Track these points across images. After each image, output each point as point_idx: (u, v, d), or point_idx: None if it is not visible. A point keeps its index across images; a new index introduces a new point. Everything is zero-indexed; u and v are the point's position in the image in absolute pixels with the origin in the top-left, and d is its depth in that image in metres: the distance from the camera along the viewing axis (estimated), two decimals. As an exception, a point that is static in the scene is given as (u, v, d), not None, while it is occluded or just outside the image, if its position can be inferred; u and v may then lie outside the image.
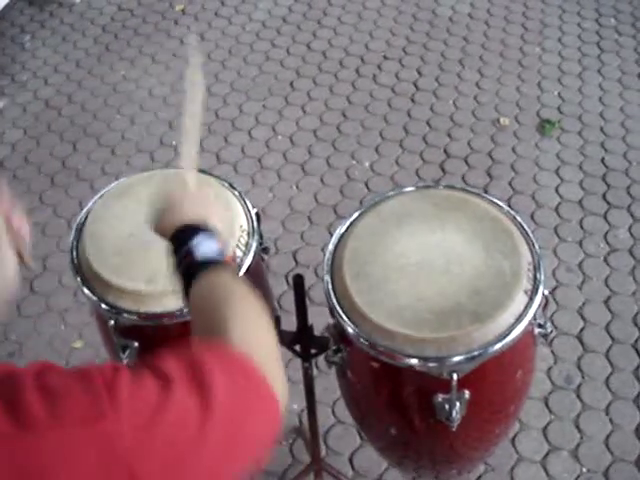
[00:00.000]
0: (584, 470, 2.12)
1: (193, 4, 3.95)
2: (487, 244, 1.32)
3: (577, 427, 2.20)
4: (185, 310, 1.36)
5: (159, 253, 1.40)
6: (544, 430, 2.20)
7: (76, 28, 3.85)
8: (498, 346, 1.20)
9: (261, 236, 1.51)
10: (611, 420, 2.21)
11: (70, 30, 3.84)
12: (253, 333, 0.89)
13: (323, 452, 2.12)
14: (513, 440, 2.17)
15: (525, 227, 1.38)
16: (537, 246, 1.34)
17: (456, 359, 1.20)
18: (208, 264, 0.99)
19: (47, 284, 2.65)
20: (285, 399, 0.83)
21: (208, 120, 3.26)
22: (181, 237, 1.03)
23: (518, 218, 1.40)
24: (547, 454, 2.15)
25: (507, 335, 1.21)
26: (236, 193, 1.53)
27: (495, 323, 1.21)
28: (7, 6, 3.79)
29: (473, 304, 1.23)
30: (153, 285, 1.35)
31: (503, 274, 1.27)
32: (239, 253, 1.42)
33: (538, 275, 1.28)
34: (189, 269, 1.00)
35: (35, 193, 3.00)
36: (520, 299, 1.24)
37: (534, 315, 1.26)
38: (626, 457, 2.13)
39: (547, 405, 2.25)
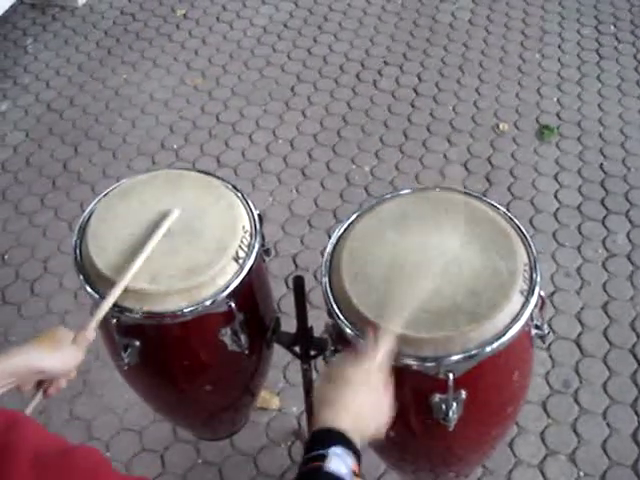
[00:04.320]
0: (581, 474, 2.12)
1: (195, 9, 3.97)
2: (484, 245, 1.33)
3: (575, 431, 2.21)
4: (186, 310, 1.37)
5: (162, 253, 1.42)
6: (542, 434, 2.21)
7: (78, 32, 3.87)
8: (494, 346, 1.21)
9: (263, 237, 1.52)
10: (609, 424, 2.22)
11: (72, 34, 3.86)
12: None
13: (321, 454, 2.12)
14: (511, 444, 2.18)
15: (522, 228, 1.39)
16: (533, 247, 1.35)
17: (453, 359, 1.21)
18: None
19: (48, 286, 2.67)
20: None
21: (209, 124, 3.28)
22: (325, 437, 1.01)
23: (515, 219, 1.41)
24: (545, 458, 2.16)
25: (503, 335, 1.22)
26: (239, 195, 1.55)
27: (491, 323, 1.22)
28: (9, 9, 3.82)
29: (470, 304, 1.24)
30: (156, 284, 1.36)
31: (500, 274, 1.28)
32: (242, 254, 1.43)
33: (534, 275, 1.30)
34: (313, 472, 0.96)
35: (36, 195, 3.01)
36: (516, 299, 1.25)
37: (530, 315, 1.27)
38: (623, 461, 2.14)
39: (545, 409, 2.26)
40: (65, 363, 1.18)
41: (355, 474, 0.97)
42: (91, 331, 1.25)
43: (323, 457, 0.96)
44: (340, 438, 1.00)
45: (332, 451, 0.97)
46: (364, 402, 1.08)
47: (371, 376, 1.11)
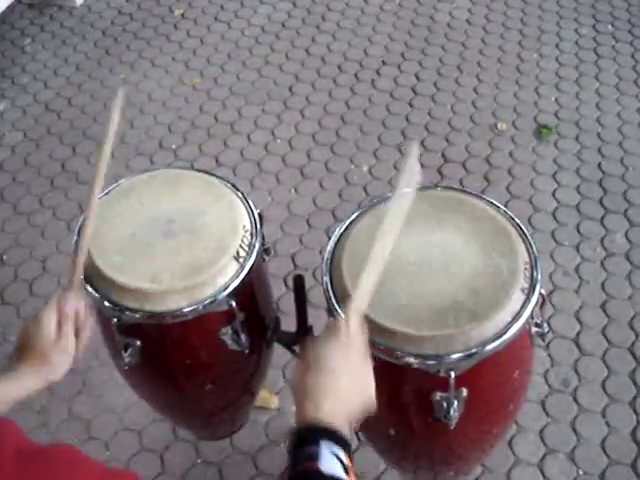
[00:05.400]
0: (580, 472, 2.13)
1: (193, 8, 3.97)
2: (485, 244, 1.33)
3: (574, 430, 2.21)
4: (187, 309, 1.37)
5: (162, 252, 1.42)
6: (541, 432, 2.21)
7: (76, 32, 3.86)
8: (495, 344, 1.22)
9: (263, 237, 1.52)
10: (607, 423, 2.22)
11: (70, 33, 3.85)
12: None
13: (321, 453, 2.13)
14: (510, 442, 2.18)
15: (522, 227, 1.40)
16: (534, 246, 1.35)
17: (454, 357, 1.21)
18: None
19: (46, 286, 2.66)
20: None
21: (207, 124, 3.28)
22: (312, 433, 0.95)
23: (515, 218, 1.42)
24: (544, 456, 2.16)
25: (504, 333, 1.22)
26: (239, 194, 1.55)
27: (492, 321, 1.22)
28: (7, 9, 3.81)
29: (471, 303, 1.24)
30: (156, 284, 1.36)
31: (501, 273, 1.28)
32: (242, 253, 1.43)
33: (535, 274, 1.30)
34: (309, 474, 0.91)
35: (35, 195, 3.01)
36: (517, 297, 1.25)
37: (531, 314, 1.27)
38: (622, 460, 2.14)
39: (544, 408, 2.26)
40: (61, 368, 1.16)
41: (348, 469, 0.93)
42: (70, 305, 1.18)
43: (315, 456, 0.91)
44: (328, 432, 0.95)
45: (323, 449, 0.92)
46: (345, 385, 1.01)
47: (347, 356, 1.04)
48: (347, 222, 1.46)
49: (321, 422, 0.96)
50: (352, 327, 1.06)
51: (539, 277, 1.30)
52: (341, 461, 0.92)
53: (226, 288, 1.39)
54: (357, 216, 1.47)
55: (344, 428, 0.97)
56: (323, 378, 1.01)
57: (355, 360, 1.05)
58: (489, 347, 1.22)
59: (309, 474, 0.90)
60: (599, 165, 2.99)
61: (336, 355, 1.03)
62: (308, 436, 0.94)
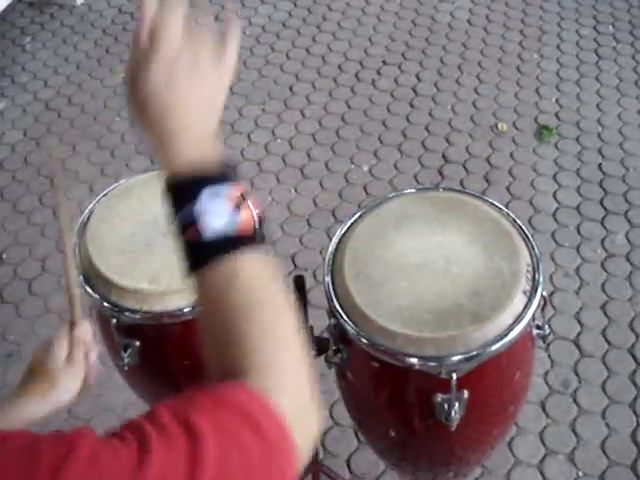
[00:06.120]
0: (580, 474, 2.12)
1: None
2: (487, 246, 1.33)
3: (573, 431, 2.21)
4: (186, 310, 1.37)
5: (161, 253, 1.41)
6: (541, 434, 2.21)
7: (76, 30, 3.86)
8: (497, 346, 1.21)
9: (263, 237, 1.51)
10: (607, 424, 2.21)
11: (70, 32, 3.85)
12: (282, 368, 0.70)
13: (321, 454, 2.12)
14: (510, 444, 2.18)
15: (524, 229, 1.39)
16: (536, 248, 1.35)
17: (455, 359, 1.21)
18: (221, 243, 0.73)
19: (46, 285, 2.66)
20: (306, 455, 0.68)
21: (208, 123, 3.27)
22: (179, 192, 0.74)
23: (517, 220, 1.41)
24: (544, 458, 2.16)
25: (506, 335, 1.22)
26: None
27: (494, 323, 1.22)
28: (8, 7, 3.80)
29: (473, 304, 1.24)
30: (155, 284, 1.35)
31: (502, 275, 1.28)
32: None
33: (537, 276, 1.30)
34: (196, 248, 0.74)
35: (34, 194, 3.00)
36: (519, 299, 1.25)
37: (533, 316, 1.27)
38: (622, 461, 2.14)
39: (544, 409, 2.26)
40: (68, 394, 1.13)
41: (237, 202, 0.74)
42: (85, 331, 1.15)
43: (197, 218, 0.73)
44: (200, 176, 0.74)
45: (204, 204, 0.72)
46: (189, 100, 0.77)
47: (179, 66, 0.77)
48: (349, 222, 1.46)
49: (187, 168, 0.74)
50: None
51: (541, 279, 1.29)
52: (229, 199, 0.74)
53: (225, 288, 1.38)
54: (359, 216, 1.47)
55: (211, 151, 0.76)
56: (166, 118, 0.76)
57: (190, 62, 0.79)
58: (491, 349, 1.21)
59: (192, 243, 0.74)
60: (599, 166, 2.99)
61: (160, 65, 0.77)
62: (183, 192, 0.74)
